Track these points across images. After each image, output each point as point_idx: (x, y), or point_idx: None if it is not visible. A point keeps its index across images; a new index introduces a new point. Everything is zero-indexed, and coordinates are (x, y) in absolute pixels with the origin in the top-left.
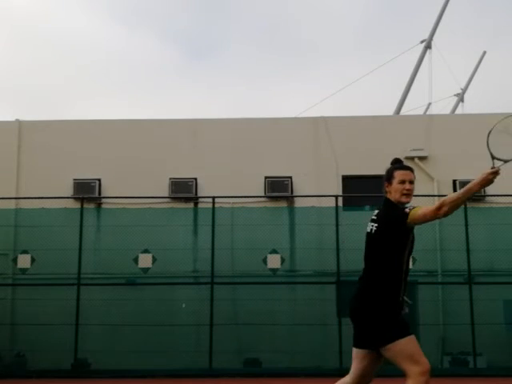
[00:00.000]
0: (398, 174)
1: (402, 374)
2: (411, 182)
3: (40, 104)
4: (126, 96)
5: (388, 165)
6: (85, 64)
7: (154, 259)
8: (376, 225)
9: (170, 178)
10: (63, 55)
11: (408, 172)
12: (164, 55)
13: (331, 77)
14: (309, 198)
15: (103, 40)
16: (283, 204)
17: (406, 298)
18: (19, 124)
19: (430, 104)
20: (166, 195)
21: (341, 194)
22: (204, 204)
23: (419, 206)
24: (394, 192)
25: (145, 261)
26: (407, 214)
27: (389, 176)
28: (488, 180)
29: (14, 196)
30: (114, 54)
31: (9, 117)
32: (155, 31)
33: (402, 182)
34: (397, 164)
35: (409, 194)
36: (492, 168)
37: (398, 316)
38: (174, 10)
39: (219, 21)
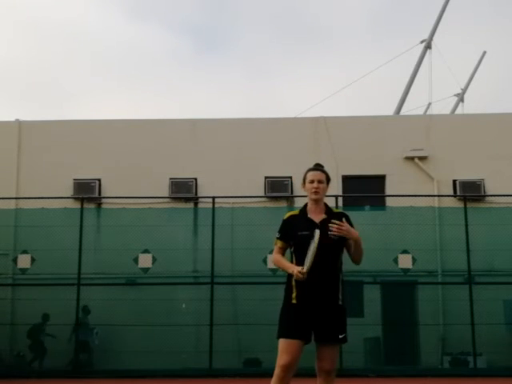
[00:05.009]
0: (309, 175)
1: (401, 374)
2: (320, 182)
3: (40, 104)
4: (125, 96)
5: (387, 165)
6: (85, 64)
7: (154, 259)
8: None
9: (170, 178)
10: (63, 55)
11: (317, 172)
12: (164, 53)
13: (331, 77)
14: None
15: (103, 39)
16: (283, 204)
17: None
18: (19, 124)
19: (430, 104)
20: (166, 195)
21: (341, 194)
22: (204, 204)
23: (277, 243)
24: (307, 192)
25: (145, 261)
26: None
27: (303, 179)
28: (297, 277)
29: (14, 196)
30: (114, 53)
31: (9, 117)
32: (155, 29)
33: (311, 181)
34: (313, 167)
35: (317, 191)
36: (302, 269)
37: (290, 316)
38: (174, 5)
39: (218, 19)
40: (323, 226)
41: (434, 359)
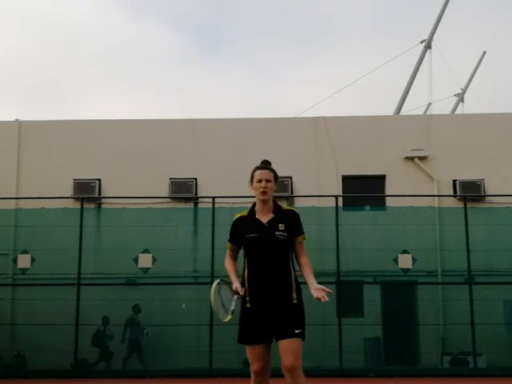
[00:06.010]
0: (256, 174)
1: (401, 374)
2: (268, 181)
3: (40, 104)
4: (126, 96)
5: (387, 165)
6: (85, 64)
7: (154, 259)
8: None
9: (170, 178)
10: (63, 55)
11: (265, 171)
12: (165, 53)
13: (331, 76)
14: (309, 197)
15: (103, 38)
16: (283, 204)
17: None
18: (19, 124)
19: (430, 104)
20: (166, 195)
21: (341, 194)
22: (204, 204)
23: (227, 246)
24: (254, 191)
25: (145, 261)
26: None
27: (251, 176)
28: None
29: (14, 196)
30: (114, 53)
31: (9, 117)
32: (155, 28)
33: (259, 181)
34: (260, 164)
35: (265, 191)
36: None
37: (246, 320)
38: (174, 4)
39: (219, 19)
40: (270, 225)
41: (434, 359)
